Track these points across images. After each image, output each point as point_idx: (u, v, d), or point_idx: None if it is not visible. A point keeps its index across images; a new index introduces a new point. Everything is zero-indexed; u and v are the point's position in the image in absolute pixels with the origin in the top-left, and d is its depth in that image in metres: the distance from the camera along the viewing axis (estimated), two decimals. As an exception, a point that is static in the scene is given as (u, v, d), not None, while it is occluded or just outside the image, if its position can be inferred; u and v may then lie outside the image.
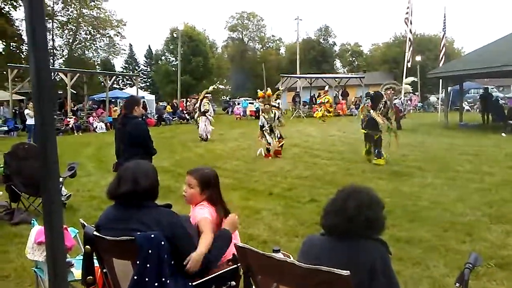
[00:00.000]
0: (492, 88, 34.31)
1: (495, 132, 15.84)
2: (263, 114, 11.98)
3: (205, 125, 16.10)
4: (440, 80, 23.15)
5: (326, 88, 28.03)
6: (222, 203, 3.08)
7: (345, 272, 1.68)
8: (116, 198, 2.53)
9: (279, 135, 11.76)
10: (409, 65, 18.74)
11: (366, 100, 10.44)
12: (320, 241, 2.15)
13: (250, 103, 34.06)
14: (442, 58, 22.90)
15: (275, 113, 11.86)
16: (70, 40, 42.01)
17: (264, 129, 11.70)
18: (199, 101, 16.91)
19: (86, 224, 2.51)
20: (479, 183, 7.74)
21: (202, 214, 2.89)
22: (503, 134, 15.27)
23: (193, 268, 2.48)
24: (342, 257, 1.95)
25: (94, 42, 43.44)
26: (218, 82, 53.97)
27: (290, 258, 2.19)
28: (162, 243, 2.26)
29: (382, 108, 9.99)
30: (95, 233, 2.41)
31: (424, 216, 5.85)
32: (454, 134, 16.21)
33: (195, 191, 2.98)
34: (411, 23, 19.15)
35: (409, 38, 19.28)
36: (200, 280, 2.53)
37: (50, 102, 1.19)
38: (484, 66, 17.22)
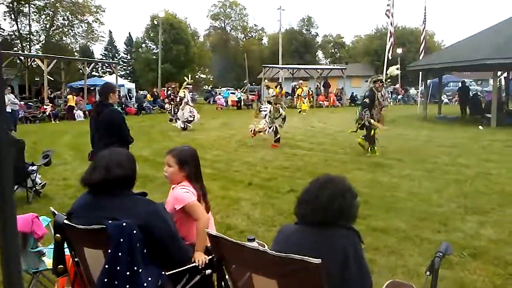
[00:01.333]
0: (471, 82, 34.92)
1: (473, 125, 16.12)
2: (271, 106, 11.99)
3: (183, 113, 15.95)
4: (420, 73, 23.42)
5: (300, 81, 28.25)
6: (201, 182, 3.11)
7: (317, 260, 1.67)
8: (89, 186, 2.47)
9: (275, 130, 11.80)
10: (390, 57, 18.85)
11: (363, 103, 10.25)
12: (294, 230, 2.14)
13: (232, 93, 33.95)
14: (422, 51, 23.12)
15: (281, 114, 11.91)
16: (47, 26, 40.89)
17: (264, 115, 11.84)
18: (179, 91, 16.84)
19: (56, 212, 2.44)
20: (456, 175, 7.87)
21: (189, 197, 2.90)
22: (480, 127, 15.55)
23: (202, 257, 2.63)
24: (314, 246, 1.95)
25: (72, 28, 42.31)
26: (199, 71, 53.60)
27: (264, 247, 2.17)
28: (134, 231, 2.22)
29: (378, 105, 10.07)
30: (65, 221, 2.35)
31: (401, 207, 5.92)
32: (433, 126, 16.45)
33: (174, 169, 3.00)
34: (392, 15, 19.22)
35: (390, 31, 19.36)
36: (175, 270, 2.50)
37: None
38: (463, 59, 17.47)
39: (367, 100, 10.03)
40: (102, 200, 2.40)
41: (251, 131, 12.02)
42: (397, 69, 11.17)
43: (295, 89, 28.78)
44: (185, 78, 17.01)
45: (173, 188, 3.12)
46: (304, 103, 25.13)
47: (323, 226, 2.03)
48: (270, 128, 11.73)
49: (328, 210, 2.01)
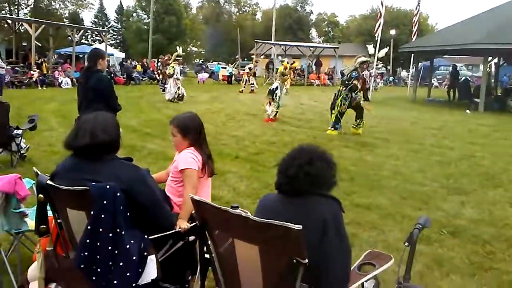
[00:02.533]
0: (461, 66, 35.04)
1: (461, 109, 16.26)
2: (278, 80, 12.41)
3: (171, 86, 15.86)
4: (412, 55, 23.41)
5: (272, 57, 28.19)
6: (206, 145, 3.19)
7: (297, 227, 1.70)
8: (73, 150, 2.45)
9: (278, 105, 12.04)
10: (377, 37, 18.74)
11: (352, 86, 9.85)
12: (274, 198, 2.17)
13: (223, 67, 33.61)
14: (415, 33, 23.07)
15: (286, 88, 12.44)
16: (36, -11, 39.89)
17: (274, 94, 11.86)
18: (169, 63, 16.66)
19: (39, 173, 2.42)
20: (440, 156, 7.97)
21: (191, 164, 2.98)
22: (468, 111, 15.70)
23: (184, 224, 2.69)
24: (293, 214, 1.97)
25: (62, -7, 41.38)
26: (191, 44, 52.86)
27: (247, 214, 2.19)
28: (118, 194, 2.21)
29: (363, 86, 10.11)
30: (48, 182, 2.33)
31: (385, 185, 6.01)
32: (421, 108, 16.56)
33: (178, 138, 3.09)
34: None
35: (380, 11, 19.28)
36: (158, 235, 2.51)
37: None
38: (454, 43, 17.48)
39: (356, 82, 9.82)
40: (86, 163, 2.38)
41: (269, 117, 11.87)
42: (386, 53, 11.14)
43: (269, 66, 28.69)
44: (177, 48, 16.80)
45: (178, 153, 3.20)
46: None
47: (298, 194, 2.05)
48: (273, 101, 11.87)
49: (297, 179, 2.04)
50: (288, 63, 24.69)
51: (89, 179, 2.27)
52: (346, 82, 9.96)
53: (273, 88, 12.06)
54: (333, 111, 10.08)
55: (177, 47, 16.91)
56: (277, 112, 12.01)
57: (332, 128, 10.06)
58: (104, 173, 2.33)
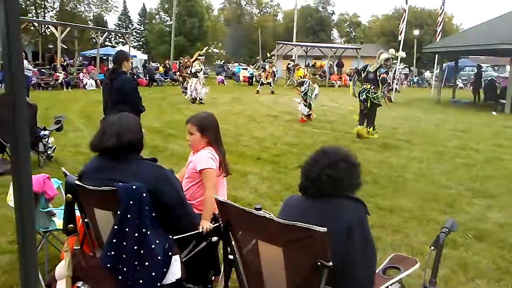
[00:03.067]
0: (487, 67, 34.27)
1: (486, 111, 15.92)
2: (310, 80, 12.37)
3: (195, 86, 15.96)
4: (436, 56, 23.01)
5: (294, 58, 28.01)
6: (221, 145, 3.22)
7: (322, 229, 1.69)
8: (99, 151, 2.51)
9: (309, 106, 12.05)
10: (400, 38, 18.51)
11: (383, 79, 9.47)
12: (299, 201, 2.17)
13: (243, 68, 33.68)
14: (439, 33, 22.68)
15: (315, 88, 12.18)
16: (62, -7, 40.78)
17: (304, 94, 11.89)
18: (191, 63, 16.74)
19: (68, 173, 2.48)
20: (465, 158, 7.82)
21: (211, 164, 3.01)
22: (494, 113, 15.36)
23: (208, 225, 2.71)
24: (317, 216, 1.97)
25: (87, -4, 42.22)
26: (213, 45, 53.14)
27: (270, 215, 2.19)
28: (144, 195, 2.25)
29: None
30: (76, 182, 2.39)
31: (409, 187, 5.92)
32: (445, 110, 16.27)
33: (196, 137, 3.11)
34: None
35: (404, 10, 19.03)
36: (182, 235, 2.54)
37: (19, 52, 1.11)
38: (479, 43, 17.11)
39: (385, 76, 9.49)
40: (113, 164, 2.44)
41: (300, 120, 11.96)
42: (406, 53, 10.79)
43: (292, 70, 28.50)
44: (202, 50, 16.99)
45: (193, 153, 3.23)
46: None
47: (324, 197, 2.05)
48: (306, 102, 11.89)
49: (320, 182, 2.03)
50: (306, 66, 24.66)
51: (116, 179, 2.32)
52: (373, 79, 9.48)
53: (302, 83, 12.18)
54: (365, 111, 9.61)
55: (204, 49, 17.09)
56: (310, 113, 12.01)
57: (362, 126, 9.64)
58: (130, 173, 2.37)
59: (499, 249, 4.01)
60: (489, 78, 22.56)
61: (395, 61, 10.68)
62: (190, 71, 16.41)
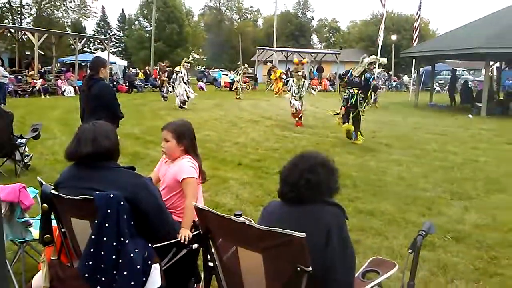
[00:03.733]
0: (463, 71, 35.02)
1: (463, 114, 16.24)
2: (293, 78, 12.49)
3: (185, 90, 15.90)
4: (413, 60, 23.44)
5: (274, 63, 28.28)
6: (197, 153, 3.20)
7: (301, 234, 1.70)
8: (76, 160, 2.46)
9: (302, 105, 12.14)
10: (379, 43, 18.82)
11: (374, 86, 9.59)
12: (278, 206, 2.17)
13: (224, 74, 33.66)
14: (416, 38, 23.09)
15: (304, 82, 12.27)
16: (39, -1, 40.11)
17: (292, 93, 12.03)
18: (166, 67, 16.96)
19: (43, 182, 2.43)
20: (443, 161, 7.96)
21: (192, 173, 3.00)
22: (470, 116, 15.68)
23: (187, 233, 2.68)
24: (296, 222, 1.98)
25: (64, 2, 41.54)
26: (193, 51, 52.98)
27: (250, 222, 2.19)
28: (122, 203, 2.22)
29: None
30: (52, 191, 2.34)
31: (388, 191, 6.00)
32: (423, 113, 16.56)
33: (171, 144, 3.07)
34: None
35: (382, 15, 19.40)
36: (161, 243, 2.52)
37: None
38: (456, 48, 17.50)
39: (375, 82, 9.51)
40: (89, 172, 2.39)
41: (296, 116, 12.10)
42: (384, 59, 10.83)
43: (289, 72, 28.60)
44: (187, 57, 17.09)
45: (166, 162, 3.20)
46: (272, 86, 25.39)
47: (302, 202, 2.05)
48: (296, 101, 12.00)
49: (298, 187, 2.04)
50: (286, 72, 24.81)
51: (93, 188, 2.28)
52: (359, 83, 9.43)
53: (286, 82, 12.54)
54: (351, 115, 9.54)
55: (190, 57, 17.20)
56: (298, 112, 12.12)
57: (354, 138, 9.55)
58: (107, 181, 2.34)
59: (476, 250, 4.08)
60: (463, 82, 23.05)
61: (375, 66, 10.63)
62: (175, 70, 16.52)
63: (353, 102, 9.45)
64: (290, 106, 12.25)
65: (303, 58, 12.92)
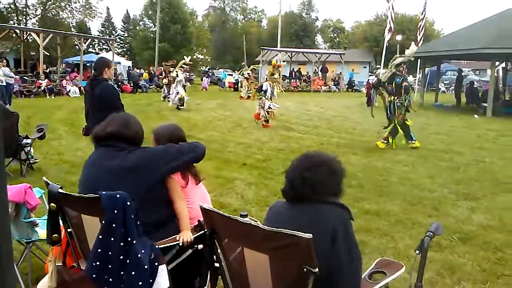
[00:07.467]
0: (468, 71, 34.84)
1: (469, 114, 16.16)
2: (269, 81, 12.38)
3: (177, 93, 15.93)
4: (418, 61, 23.33)
5: (281, 66, 28.29)
6: None
7: (307, 235, 1.69)
8: (102, 139, 2.58)
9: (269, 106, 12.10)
10: (388, 43, 18.76)
11: (406, 88, 9.28)
12: (283, 206, 2.16)
13: (229, 74, 33.69)
14: (421, 38, 22.98)
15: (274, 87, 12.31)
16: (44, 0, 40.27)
17: (266, 95, 11.98)
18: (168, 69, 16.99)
19: (50, 182, 2.43)
20: (449, 161, 7.92)
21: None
22: (476, 116, 15.60)
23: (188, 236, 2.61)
24: (302, 222, 1.96)
25: (69, 3, 41.71)
26: (197, 51, 53.06)
27: (256, 223, 2.18)
28: (128, 203, 2.22)
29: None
30: (60, 190, 2.34)
31: (394, 191, 5.97)
32: (429, 114, 16.45)
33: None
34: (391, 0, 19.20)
35: (389, 17, 19.29)
36: (167, 244, 2.51)
37: None
38: (461, 48, 17.40)
39: (406, 83, 9.24)
40: (113, 153, 2.54)
41: (263, 126, 11.96)
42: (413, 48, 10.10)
43: (294, 73, 28.61)
44: (184, 57, 16.96)
45: None
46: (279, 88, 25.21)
47: (307, 202, 2.04)
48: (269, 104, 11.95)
49: (301, 187, 2.03)
50: (291, 72, 24.72)
51: (124, 166, 2.47)
52: (391, 91, 9.12)
53: (261, 87, 12.30)
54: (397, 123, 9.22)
55: (184, 57, 17.13)
56: (266, 117, 11.97)
57: (384, 141, 9.31)
58: (130, 159, 2.51)
59: (483, 251, 4.05)
60: (469, 82, 22.94)
61: (404, 67, 9.64)
62: (171, 76, 16.52)
63: (393, 111, 9.18)
64: (261, 107, 12.01)
65: (282, 62, 13.00)
